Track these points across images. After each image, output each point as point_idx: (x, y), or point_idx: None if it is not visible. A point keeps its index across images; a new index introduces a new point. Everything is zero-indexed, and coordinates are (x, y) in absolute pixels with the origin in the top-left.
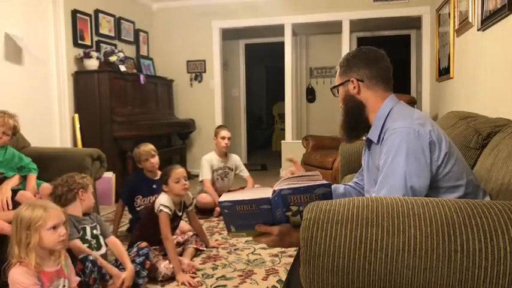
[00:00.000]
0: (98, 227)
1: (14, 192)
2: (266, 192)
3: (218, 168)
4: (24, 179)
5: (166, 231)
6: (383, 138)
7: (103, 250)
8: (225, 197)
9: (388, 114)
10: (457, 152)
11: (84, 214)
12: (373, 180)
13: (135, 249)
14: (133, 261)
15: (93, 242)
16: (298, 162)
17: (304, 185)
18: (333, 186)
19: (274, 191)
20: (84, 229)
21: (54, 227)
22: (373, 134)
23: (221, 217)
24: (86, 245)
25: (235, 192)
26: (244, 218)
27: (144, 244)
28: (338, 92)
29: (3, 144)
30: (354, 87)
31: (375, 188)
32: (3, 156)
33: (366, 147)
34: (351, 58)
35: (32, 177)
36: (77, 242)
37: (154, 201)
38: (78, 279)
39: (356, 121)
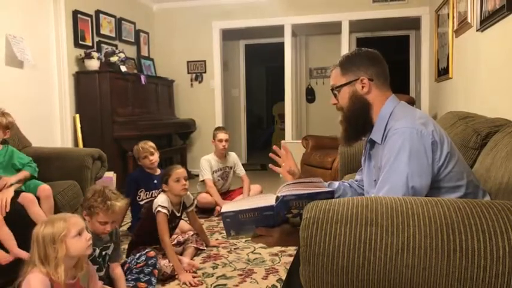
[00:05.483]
0: (111, 246)
1: (16, 193)
2: (269, 199)
3: (218, 170)
4: (26, 180)
5: (163, 233)
6: (386, 138)
7: (103, 272)
8: (228, 207)
9: (390, 115)
10: (457, 152)
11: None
12: (373, 181)
13: (143, 258)
14: (142, 271)
15: (100, 260)
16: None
17: (307, 192)
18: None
19: (277, 198)
20: (95, 250)
21: (79, 233)
22: (376, 135)
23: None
24: (96, 266)
25: (236, 201)
26: (246, 224)
27: (152, 254)
28: (339, 92)
29: (7, 138)
30: (363, 87)
31: (375, 189)
32: (3, 157)
33: (367, 148)
34: (354, 57)
35: (24, 173)
36: None
37: (153, 200)
38: (101, 283)
39: (364, 123)
